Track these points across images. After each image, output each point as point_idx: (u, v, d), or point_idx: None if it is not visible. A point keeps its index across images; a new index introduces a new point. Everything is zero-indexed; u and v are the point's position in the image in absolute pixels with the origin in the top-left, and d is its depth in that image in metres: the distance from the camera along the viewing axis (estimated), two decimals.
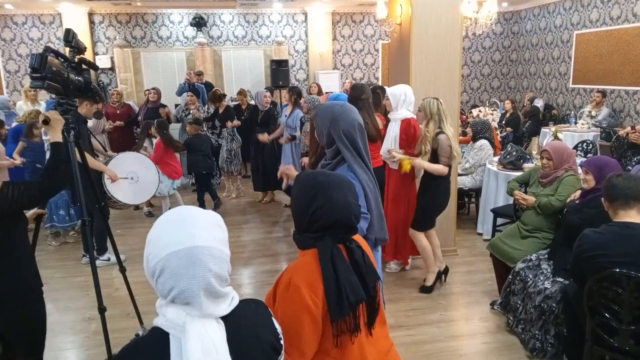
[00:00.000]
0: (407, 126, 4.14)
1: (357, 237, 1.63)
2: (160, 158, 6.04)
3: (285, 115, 6.60)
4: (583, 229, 2.81)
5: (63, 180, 2.46)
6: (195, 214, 1.15)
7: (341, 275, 1.40)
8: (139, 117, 7.75)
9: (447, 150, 3.83)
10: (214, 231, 1.13)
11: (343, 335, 1.43)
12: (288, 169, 2.71)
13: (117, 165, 4.48)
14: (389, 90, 4.22)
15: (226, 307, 1.12)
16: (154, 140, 6.60)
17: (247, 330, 1.15)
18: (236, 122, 7.13)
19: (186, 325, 1.04)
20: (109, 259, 4.83)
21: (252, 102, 7.57)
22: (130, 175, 4.53)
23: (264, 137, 6.68)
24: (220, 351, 1.03)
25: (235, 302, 1.16)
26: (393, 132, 4.18)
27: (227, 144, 7.19)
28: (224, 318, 1.10)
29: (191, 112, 7.45)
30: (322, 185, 1.51)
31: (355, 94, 4.30)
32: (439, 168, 3.87)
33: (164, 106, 7.91)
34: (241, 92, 7.69)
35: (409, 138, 4.15)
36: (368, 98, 4.32)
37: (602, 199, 2.66)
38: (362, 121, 2.44)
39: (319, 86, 8.78)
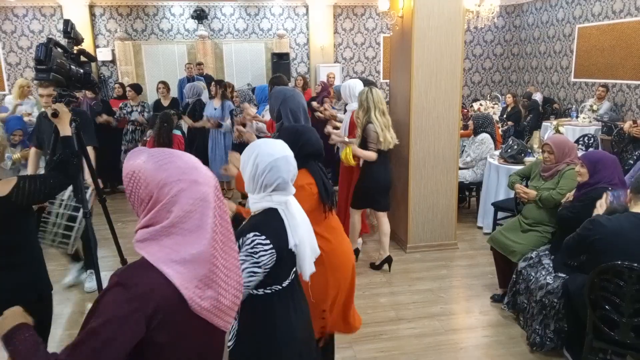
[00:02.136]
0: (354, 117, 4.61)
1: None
2: None
3: (215, 109, 6.63)
4: (574, 223, 2.82)
5: (75, 173, 2.45)
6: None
7: (323, 178, 2.41)
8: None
9: (374, 137, 4.15)
10: None
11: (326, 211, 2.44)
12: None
13: None
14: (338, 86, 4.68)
15: None
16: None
17: None
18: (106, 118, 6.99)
19: (288, 202, 1.82)
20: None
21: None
22: None
23: (189, 121, 6.76)
24: (302, 213, 1.89)
25: None
26: (345, 122, 4.86)
27: None
28: None
29: (134, 109, 7.23)
30: (303, 129, 2.47)
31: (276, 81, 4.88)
32: (367, 154, 4.20)
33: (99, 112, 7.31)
34: (165, 85, 7.47)
35: (354, 127, 4.59)
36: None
37: (628, 190, 2.66)
38: (306, 106, 3.13)
39: (304, 79, 8.53)
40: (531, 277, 3.37)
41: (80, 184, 2.76)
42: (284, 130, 2.50)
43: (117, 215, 6.22)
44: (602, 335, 2.63)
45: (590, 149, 6.34)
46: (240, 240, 1.74)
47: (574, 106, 9.35)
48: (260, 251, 1.70)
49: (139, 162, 1.24)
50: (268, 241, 1.71)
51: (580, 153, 3.90)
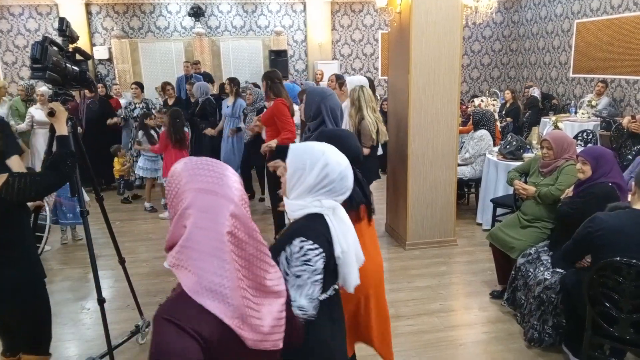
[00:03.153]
0: None
1: None
2: (162, 149, 5.94)
3: (228, 106, 6.66)
4: (574, 219, 2.81)
5: (69, 173, 2.45)
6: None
7: (363, 185, 2.24)
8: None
9: (368, 135, 4.25)
10: None
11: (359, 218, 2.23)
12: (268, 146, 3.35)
13: None
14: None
15: None
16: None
17: None
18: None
19: (335, 208, 1.72)
20: None
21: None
22: None
23: (211, 131, 6.75)
24: (349, 219, 1.77)
25: None
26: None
27: None
28: None
29: (137, 107, 7.28)
30: (342, 134, 2.39)
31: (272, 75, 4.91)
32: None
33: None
34: (167, 84, 7.60)
35: None
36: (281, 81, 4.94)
37: (633, 183, 2.64)
38: (342, 107, 3.11)
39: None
40: (530, 273, 3.36)
41: (77, 183, 2.75)
42: (322, 134, 2.38)
43: (116, 214, 6.22)
44: (601, 331, 2.62)
45: (589, 145, 6.33)
46: (288, 250, 1.63)
47: (572, 102, 9.33)
48: (312, 256, 1.61)
49: (177, 167, 1.17)
50: (316, 245, 1.62)
51: (579, 149, 3.89)
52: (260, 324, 1.16)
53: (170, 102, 7.40)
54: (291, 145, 1.80)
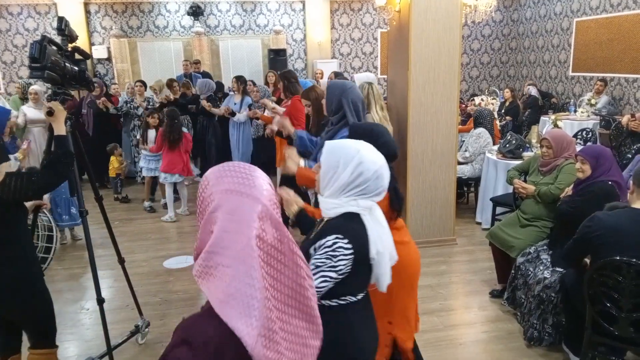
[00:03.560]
0: None
1: None
2: (159, 149, 5.96)
3: (235, 104, 6.90)
4: (574, 217, 2.80)
5: (66, 173, 2.45)
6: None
7: (394, 183, 2.17)
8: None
9: None
10: None
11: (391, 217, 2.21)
12: (282, 123, 3.44)
13: None
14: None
15: None
16: (150, 132, 6.46)
17: None
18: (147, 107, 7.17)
19: (372, 208, 1.71)
20: None
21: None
22: None
23: (204, 102, 7.01)
24: (385, 220, 1.76)
25: None
26: None
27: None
28: None
29: (139, 103, 7.35)
30: (380, 129, 2.33)
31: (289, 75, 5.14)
32: None
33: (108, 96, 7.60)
34: (185, 85, 7.68)
35: None
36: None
37: (631, 182, 2.63)
38: (364, 99, 3.12)
39: (275, 75, 8.33)
40: (529, 272, 3.36)
41: (76, 182, 2.74)
42: (356, 128, 2.35)
43: (115, 214, 6.22)
44: (601, 330, 2.62)
45: (589, 144, 6.33)
46: (317, 243, 1.64)
47: (572, 100, 9.32)
48: (340, 255, 1.59)
49: (209, 172, 1.11)
50: (350, 245, 1.61)
51: (578, 147, 3.89)
52: (282, 351, 1.02)
53: (173, 97, 7.49)
54: (327, 142, 1.78)
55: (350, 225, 1.65)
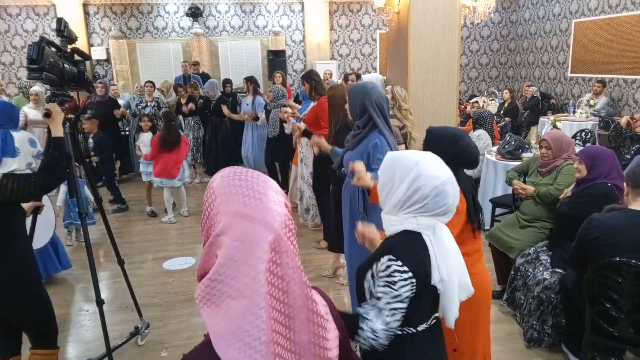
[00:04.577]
0: None
1: None
2: (154, 154, 5.86)
3: (247, 104, 7.09)
4: (573, 219, 2.80)
5: (62, 175, 2.45)
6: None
7: (472, 192, 2.23)
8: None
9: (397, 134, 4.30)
10: None
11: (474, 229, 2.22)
12: (318, 142, 3.35)
13: None
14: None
15: None
16: (142, 135, 6.32)
17: None
18: (191, 106, 7.40)
19: (436, 227, 1.53)
20: None
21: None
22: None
23: (225, 109, 7.19)
24: (454, 242, 1.57)
25: None
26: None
27: (193, 133, 7.59)
28: None
29: (148, 104, 7.47)
30: (460, 132, 2.22)
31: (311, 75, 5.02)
32: None
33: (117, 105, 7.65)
34: (192, 85, 7.87)
35: None
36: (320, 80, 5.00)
37: (625, 183, 2.63)
38: (387, 98, 3.08)
39: (282, 75, 8.28)
40: (529, 273, 3.36)
41: (75, 183, 2.74)
42: (434, 132, 2.20)
43: (114, 216, 6.21)
44: (601, 331, 2.62)
45: (588, 144, 6.34)
46: (374, 267, 1.47)
47: (571, 101, 9.34)
48: (399, 281, 1.41)
49: (214, 180, 0.99)
50: (406, 268, 1.42)
51: (578, 148, 3.89)
52: None
53: (183, 101, 7.65)
54: (387, 154, 1.64)
55: (406, 245, 1.48)
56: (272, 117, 6.24)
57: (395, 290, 1.41)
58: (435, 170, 1.50)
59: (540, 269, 3.29)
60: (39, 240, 3.86)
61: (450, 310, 1.53)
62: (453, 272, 1.51)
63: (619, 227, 2.51)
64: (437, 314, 1.59)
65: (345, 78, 7.46)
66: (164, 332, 3.53)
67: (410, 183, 1.48)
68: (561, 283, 3.06)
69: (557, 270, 3.20)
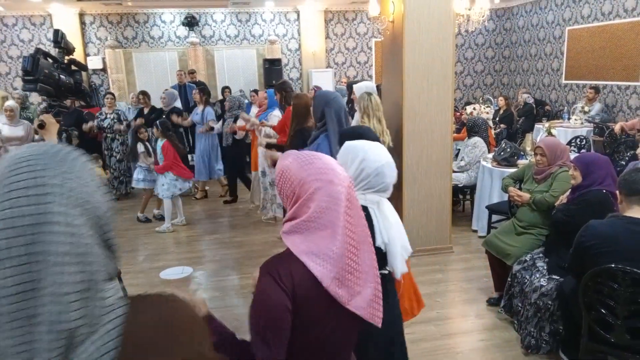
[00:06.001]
0: None
1: None
2: (171, 162, 5.91)
3: (197, 114, 7.15)
4: (569, 226, 2.80)
5: None
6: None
7: None
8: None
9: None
10: None
11: None
12: (271, 155, 3.94)
13: None
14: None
15: None
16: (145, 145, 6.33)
17: None
18: (139, 121, 6.99)
19: (380, 203, 1.95)
20: None
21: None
22: None
23: (174, 117, 7.03)
24: (395, 214, 2.04)
25: None
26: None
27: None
28: None
29: (108, 116, 7.20)
30: (363, 130, 2.71)
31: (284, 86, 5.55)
32: None
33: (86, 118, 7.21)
34: (144, 93, 7.54)
35: None
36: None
37: (618, 191, 2.65)
38: (346, 108, 3.57)
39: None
40: (525, 280, 3.36)
41: None
42: (343, 136, 2.61)
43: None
44: (598, 337, 2.62)
45: (583, 151, 6.37)
46: None
47: (565, 108, 9.40)
48: None
49: (287, 162, 1.39)
50: None
51: (573, 155, 3.91)
52: (359, 291, 1.33)
53: (146, 110, 7.40)
54: (345, 143, 2.02)
55: None
56: (226, 125, 6.55)
57: None
58: (377, 155, 1.91)
59: (537, 275, 3.29)
60: None
61: (397, 265, 1.96)
62: (395, 237, 1.95)
63: (614, 235, 2.52)
64: (384, 271, 1.94)
65: (349, 86, 7.71)
66: None
67: (358, 164, 1.88)
68: (559, 290, 3.06)
69: (554, 276, 3.21)
